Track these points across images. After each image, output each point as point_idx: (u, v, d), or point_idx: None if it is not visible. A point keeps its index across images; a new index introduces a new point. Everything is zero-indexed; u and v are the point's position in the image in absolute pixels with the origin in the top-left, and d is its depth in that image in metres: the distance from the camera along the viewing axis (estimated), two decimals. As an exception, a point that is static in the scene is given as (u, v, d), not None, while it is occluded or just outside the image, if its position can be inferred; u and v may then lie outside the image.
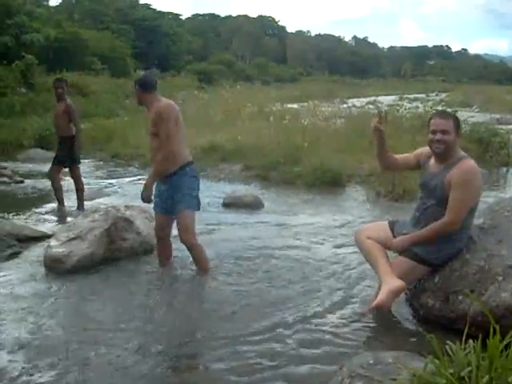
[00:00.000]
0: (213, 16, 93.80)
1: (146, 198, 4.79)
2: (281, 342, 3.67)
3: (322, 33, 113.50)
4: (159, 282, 4.80)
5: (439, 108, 14.99)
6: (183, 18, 76.74)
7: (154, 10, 58.99)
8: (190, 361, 3.50)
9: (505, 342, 2.58)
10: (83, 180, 7.73)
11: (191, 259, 4.94)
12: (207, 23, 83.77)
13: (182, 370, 3.39)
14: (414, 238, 4.00)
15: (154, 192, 4.86)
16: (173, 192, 4.75)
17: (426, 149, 4.19)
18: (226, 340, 3.70)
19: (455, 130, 3.93)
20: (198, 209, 4.88)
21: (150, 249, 5.52)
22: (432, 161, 4.04)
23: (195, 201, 4.80)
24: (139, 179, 9.68)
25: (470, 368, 2.53)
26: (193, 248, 4.83)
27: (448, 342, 2.75)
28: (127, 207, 5.80)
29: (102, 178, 10.34)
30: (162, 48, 51.80)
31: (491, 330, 2.50)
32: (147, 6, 58.35)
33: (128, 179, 9.88)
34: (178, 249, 5.10)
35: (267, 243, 5.85)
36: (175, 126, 4.65)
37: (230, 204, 7.46)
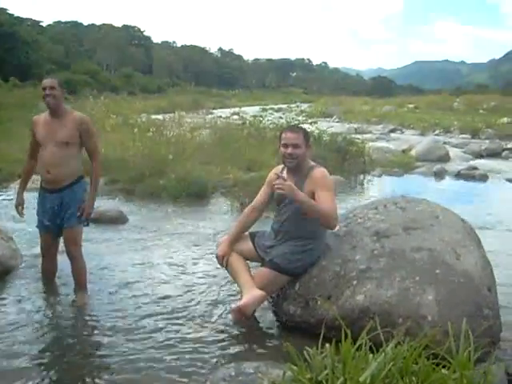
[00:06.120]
0: (75, 24, 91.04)
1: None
2: (144, 355, 3.62)
3: (187, 43, 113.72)
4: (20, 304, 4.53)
5: (301, 118, 15.60)
6: (44, 24, 73.83)
7: (12, 15, 56.10)
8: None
9: (357, 344, 2.71)
10: None
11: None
12: (69, 31, 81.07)
13: None
14: (302, 196, 3.89)
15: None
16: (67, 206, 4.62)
17: (273, 171, 4.36)
18: (92, 352, 3.65)
19: (305, 142, 4.11)
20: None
21: (6, 270, 5.21)
22: (285, 173, 4.17)
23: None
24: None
25: (326, 371, 2.63)
26: (77, 261, 4.75)
27: (306, 347, 2.84)
28: (-22, 227, 5.42)
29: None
30: (21, 56, 49.34)
31: (343, 334, 2.62)
32: (4, 10, 55.20)
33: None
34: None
35: (128, 259, 5.76)
36: None
37: (93, 219, 7.22)
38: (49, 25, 79.67)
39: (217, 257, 4.35)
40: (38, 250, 5.08)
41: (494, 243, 6.08)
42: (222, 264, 4.32)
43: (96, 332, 4.03)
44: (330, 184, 4.08)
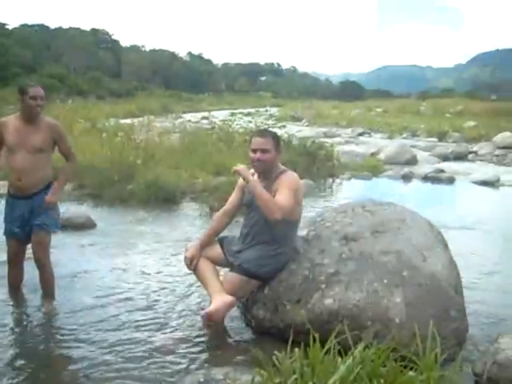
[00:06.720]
0: (43, 27, 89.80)
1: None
2: (112, 362, 3.58)
3: (156, 48, 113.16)
4: None
5: (270, 122, 15.63)
6: (10, 27, 72.56)
7: (-24, 18, 55.18)
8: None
9: (326, 348, 2.72)
10: None
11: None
12: (37, 34, 79.89)
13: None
14: (258, 186, 3.97)
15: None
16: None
17: None
18: (60, 363, 3.60)
19: (275, 147, 4.10)
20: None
21: None
22: (255, 177, 4.15)
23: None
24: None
25: (295, 376, 2.63)
26: (45, 268, 4.68)
27: (275, 352, 2.84)
28: None
29: None
30: (-14, 59, 48.57)
31: (311, 338, 2.63)
32: (-33, 13, 54.39)
33: None
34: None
35: (96, 264, 5.70)
36: None
37: (61, 225, 7.11)
38: (15, 28, 78.36)
39: (185, 259, 4.32)
40: (4, 257, 4.99)
41: (461, 245, 6.15)
42: (189, 267, 4.29)
43: (64, 342, 3.96)
44: (294, 184, 4.04)
